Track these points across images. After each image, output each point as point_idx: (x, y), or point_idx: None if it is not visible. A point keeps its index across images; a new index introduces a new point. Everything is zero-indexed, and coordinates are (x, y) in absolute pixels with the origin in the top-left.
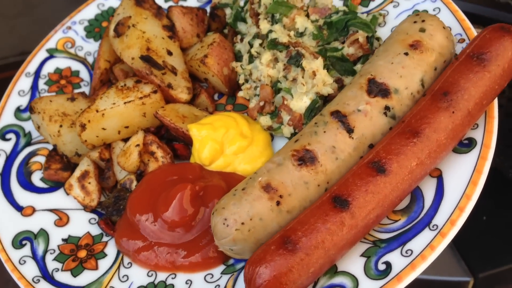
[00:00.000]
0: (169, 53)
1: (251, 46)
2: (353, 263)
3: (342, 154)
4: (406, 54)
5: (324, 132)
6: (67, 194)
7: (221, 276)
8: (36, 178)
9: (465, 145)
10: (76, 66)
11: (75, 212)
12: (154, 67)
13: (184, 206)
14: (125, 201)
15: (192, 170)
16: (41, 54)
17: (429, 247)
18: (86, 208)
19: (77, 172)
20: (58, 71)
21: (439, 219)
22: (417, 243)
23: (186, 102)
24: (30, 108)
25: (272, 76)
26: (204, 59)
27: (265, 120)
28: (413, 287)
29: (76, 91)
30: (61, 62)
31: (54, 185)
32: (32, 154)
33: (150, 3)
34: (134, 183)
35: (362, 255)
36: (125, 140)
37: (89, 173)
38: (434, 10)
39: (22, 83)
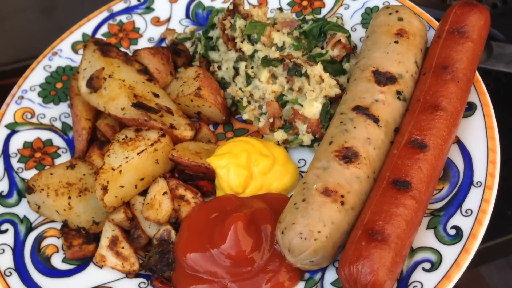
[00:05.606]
0: (155, 95)
1: (236, 70)
2: (424, 237)
3: (376, 143)
4: (396, 42)
5: (355, 127)
6: (100, 267)
7: None
8: (57, 262)
9: (467, 109)
10: (45, 135)
11: (119, 282)
12: (150, 111)
13: (242, 237)
14: (171, 254)
15: (229, 201)
16: (2, 132)
17: (484, 201)
18: (129, 274)
19: (104, 241)
20: (27, 145)
21: (478, 176)
22: (471, 202)
23: (191, 139)
24: (28, 189)
25: (276, 91)
26: (198, 92)
27: (280, 135)
28: None
29: (57, 160)
30: (27, 135)
31: (81, 263)
32: (40, 238)
33: (116, 51)
34: (173, 232)
35: (428, 228)
36: (141, 194)
37: (118, 238)
38: (383, 3)
39: None
